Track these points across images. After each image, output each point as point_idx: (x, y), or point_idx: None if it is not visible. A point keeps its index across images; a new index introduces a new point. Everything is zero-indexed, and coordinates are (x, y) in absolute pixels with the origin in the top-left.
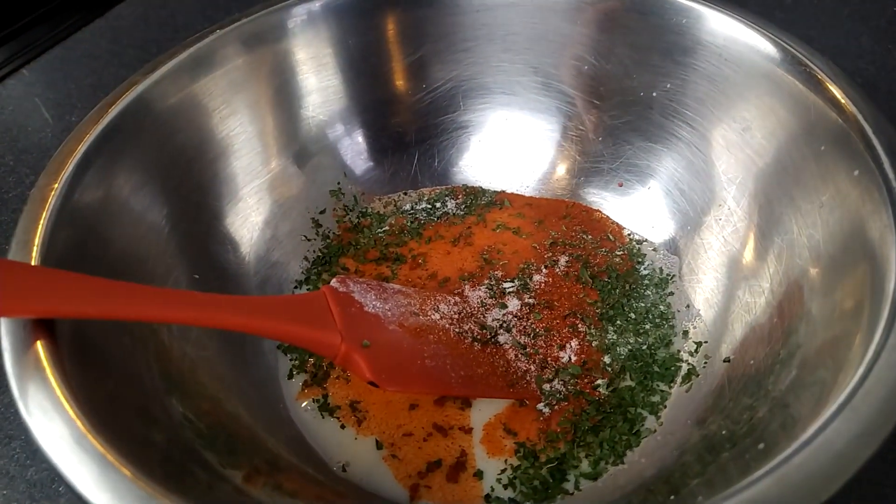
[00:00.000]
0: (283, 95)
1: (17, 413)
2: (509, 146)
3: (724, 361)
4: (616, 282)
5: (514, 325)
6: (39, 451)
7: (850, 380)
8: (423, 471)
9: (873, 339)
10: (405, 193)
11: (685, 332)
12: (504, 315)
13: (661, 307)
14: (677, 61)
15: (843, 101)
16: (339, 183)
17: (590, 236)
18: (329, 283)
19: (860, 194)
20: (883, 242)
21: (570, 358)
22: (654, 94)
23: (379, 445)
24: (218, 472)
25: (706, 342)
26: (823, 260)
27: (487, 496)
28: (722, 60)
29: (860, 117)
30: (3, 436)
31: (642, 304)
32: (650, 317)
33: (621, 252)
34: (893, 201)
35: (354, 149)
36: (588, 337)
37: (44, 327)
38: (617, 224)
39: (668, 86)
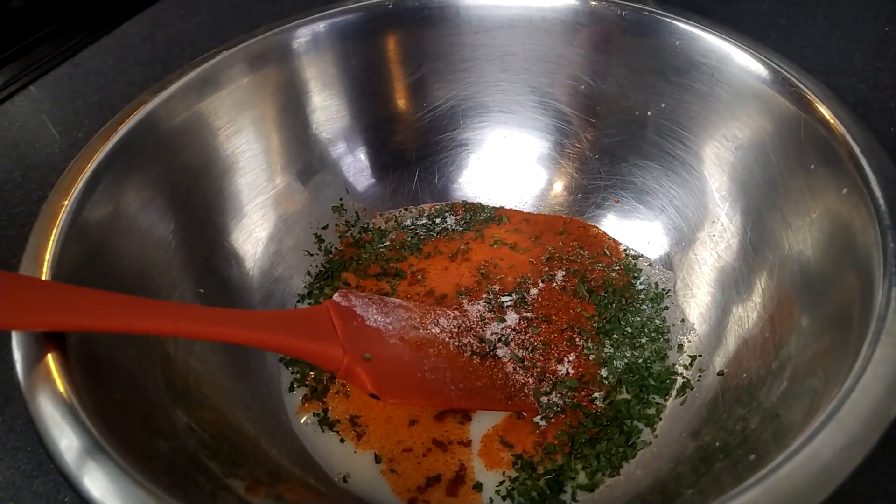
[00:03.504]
0: (288, 114)
1: (23, 425)
2: (507, 163)
3: (718, 374)
4: (612, 296)
5: (512, 339)
6: (45, 462)
7: (838, 390)
8: (423, 486)
9: (861, 351)
10: (406, 209)
11: (680, 346)
12: (503, 329)
13: (657, 321)
14: (671, 82)
15: (832, 120)
16: (341, 199)
17: (586, 251)
18: (331, 297)
19: (849, 212)
20: (870, 259)
21: (567, 371)
22: (649, 114)
23: (378, 459)
24: (221, 482)
25: (700, 356)
26: (813, 275)
27: None
28: (714, 81)
29: (848, 137)
30: (10, 447)
31: (638, 319)
32: (646, 331)
33: (618, 267)
34: (881, 219)
35: (357, 166)
36: (585, 350)
37: (54, 340)
38: (613, 240)
39: (663, 105)
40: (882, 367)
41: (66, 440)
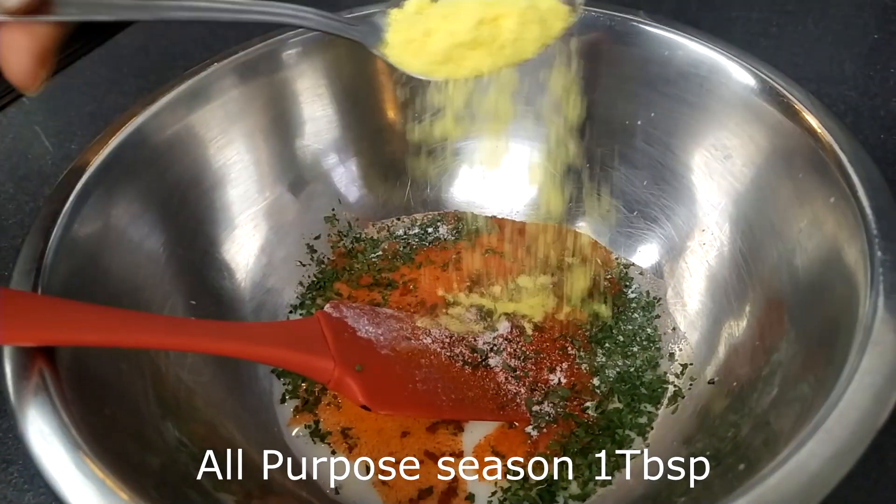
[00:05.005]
0: (279, 125)
1: (15, 438)
2: (499, 173)
3: (710, 383)
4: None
5: (504, 349)
6: (37, 476)
7: (827, 399)
8: (415, 497)
9: (847, 361)
10: (398, 219)
11: (671, 355)
12: (494, 338)
13: (648, 330)
14: (660, 91)
15: (819, 130)
16: (333, 209)
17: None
18: (323, 308)
19: (836, 221)
20: (857, 268)
21: (559, 380)
22: (639, 123)
23: (369, 471)
24: (212, 496)
25: (692, 364)
26: (802, 283)
27: None
28: (704, 91)
29: (835, 146)
30: (0, 461)
31: (630, 327)
32: (638, 339)
33: (609, 276)
34: (868, 228)
35: (349, 176)
36: (577, 360)
37: (45, 354)
38: (605, 248)
39: (652, 115)
40: (869, 377)
41: (56, 455)
